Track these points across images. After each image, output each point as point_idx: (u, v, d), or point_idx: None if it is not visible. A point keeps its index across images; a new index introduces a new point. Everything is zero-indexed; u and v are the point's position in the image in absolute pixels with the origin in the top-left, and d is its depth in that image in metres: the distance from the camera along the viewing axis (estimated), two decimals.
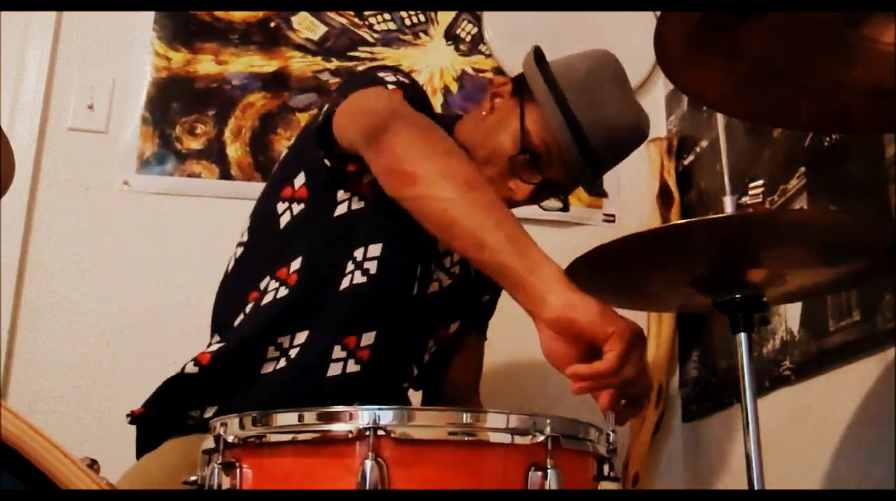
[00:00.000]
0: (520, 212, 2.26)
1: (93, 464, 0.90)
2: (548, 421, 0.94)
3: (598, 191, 1.65)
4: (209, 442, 0.98)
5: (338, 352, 1.41)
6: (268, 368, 1.41)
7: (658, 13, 2.24)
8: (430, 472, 0.91)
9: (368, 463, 0.88)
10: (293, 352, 1.41)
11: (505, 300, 2.25)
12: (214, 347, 1.44)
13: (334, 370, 1.41)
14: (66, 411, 2.00)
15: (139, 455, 1.44)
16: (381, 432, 0.89)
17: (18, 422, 0.81)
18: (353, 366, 1.41)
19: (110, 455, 1.30)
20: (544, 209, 1.65)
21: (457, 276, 1.58)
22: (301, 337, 1.42)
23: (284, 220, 1.47)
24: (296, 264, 1.43)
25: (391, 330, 1.45)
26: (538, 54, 1.57)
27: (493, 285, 1.74)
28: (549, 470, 0.92)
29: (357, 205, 1.44)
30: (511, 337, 2.21)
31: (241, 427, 0.95)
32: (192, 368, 1.42)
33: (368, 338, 1.43)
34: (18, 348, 2.04)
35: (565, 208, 1.62)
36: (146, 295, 2.10)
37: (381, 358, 1.44)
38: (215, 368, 1.41)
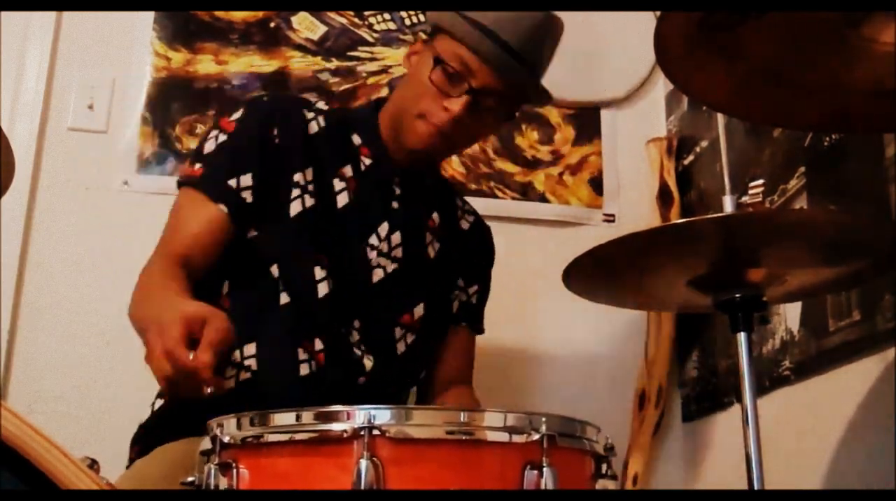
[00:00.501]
0: (519, 212, 2.28)
1: (93, 464, 0.90)
2: (543, 420, 0.94)
3: (545, 98, 1.68)
4: (206, 443, 0.98)
5: (302, 354, 1.48)
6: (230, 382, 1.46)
7: (658, 13, 2.24)
8: (426, 471, 0.91)
9: (363, 463, 0.88)
10: (250, 362, 1.48)
11: (500, 300, 2.25)
12: None
13: (305, 369, 1.48)
14: (66, 411, 2.00)
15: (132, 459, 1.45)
16: (376, 431, 0.89)
17: (18, 422, 0.81)
18: (315, 367, 1.49)
19: (110, 455, 1.30)
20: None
21: (401, 260, 1.58)
22: (250, 348, 1.48)
23: None
24: (226, 287, 1.53)
25: (333, 332, 1.51)
26: None
27: (480, 274, 1.76)
28: (544, 469, 0.92)
29: (251, 233, 1.53)
30: (506, 334, 2.22)
31: (239, 427, 0.95)
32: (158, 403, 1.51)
33: (319, 343, 1.50)
34: (18, 348, 2.03)
35: (510, 117, 1.68)
36: None
37: (334, 359, 1.50)
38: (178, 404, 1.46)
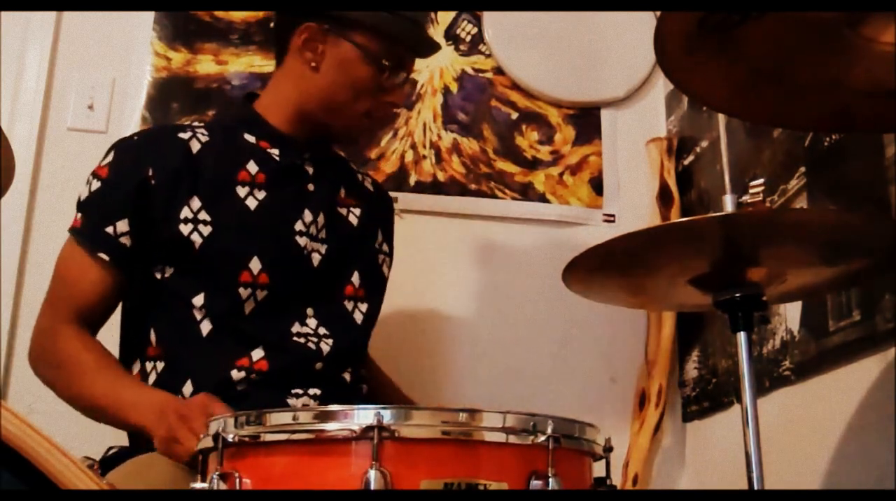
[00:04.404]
0: (519, 212, 2.28)
1: (93, 464, 0.90)
2: (549, 422, 0.94)
3: (432, 46, 1.69)
4: (207, 442, 0.98)
5: (236, 374, 1.47)
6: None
7: (658, 13, 2.24)
8: (428, 471, 0.91)
9: (372, 462, 0.88)
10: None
11: (500, 300, 2.25)
12: None
13: (242, 386, 1.47)
14: (66, 411, 1.99)
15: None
16: (385, 432, 0.89)
17: (18, 422, 0.81)
18: (256, 377, 1.48)
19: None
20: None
21: (328, 239, 1.60)
22: (188, 386, 1.48)
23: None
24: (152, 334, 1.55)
25: (274, 336, 1.51)
26: None
27: (391, 235, 1.77)
28: (550, 479, 0.92)
29: (167, 273, 1.54)
30: (505, 333, 2.22)
31: (239, 426, 0.95)
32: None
33: (258, 353, 1.49)
34: (18, 348, 2.03)
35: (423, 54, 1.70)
36: None
37: (278, 359, 1.49)
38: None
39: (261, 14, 2.29)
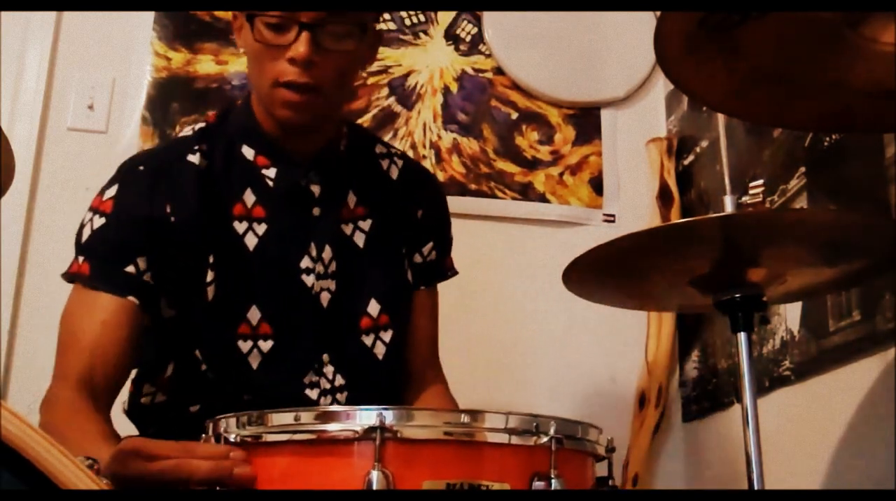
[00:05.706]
0: (519, 212, 2.28)
1: (93, 464, 0.90)
2: (552, 423, 0.94)
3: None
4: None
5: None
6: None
7: (658, 13, 2.24)
8: (430, 472, 0.91)
9: (374, 463, 0.88)
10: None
11: (500, 300, 2.25)
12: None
13: None
14: None
15: None
16: (387, 433, 0.89)
17: (18, 422, 0.81)
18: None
19: None
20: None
21: (336, 272, 1.40)
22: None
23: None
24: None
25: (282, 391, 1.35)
26: None
27: (429, 228, 1.55)
28: (553, 480, 0.92)
29: (167, 313, 1.38)
30: (505, 334, 2.22)
31: (241, 426, 0.96)
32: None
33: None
34: (18, 348, 2.03)
35: (365, 30, 1.41)
36: None
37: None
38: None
39: None
